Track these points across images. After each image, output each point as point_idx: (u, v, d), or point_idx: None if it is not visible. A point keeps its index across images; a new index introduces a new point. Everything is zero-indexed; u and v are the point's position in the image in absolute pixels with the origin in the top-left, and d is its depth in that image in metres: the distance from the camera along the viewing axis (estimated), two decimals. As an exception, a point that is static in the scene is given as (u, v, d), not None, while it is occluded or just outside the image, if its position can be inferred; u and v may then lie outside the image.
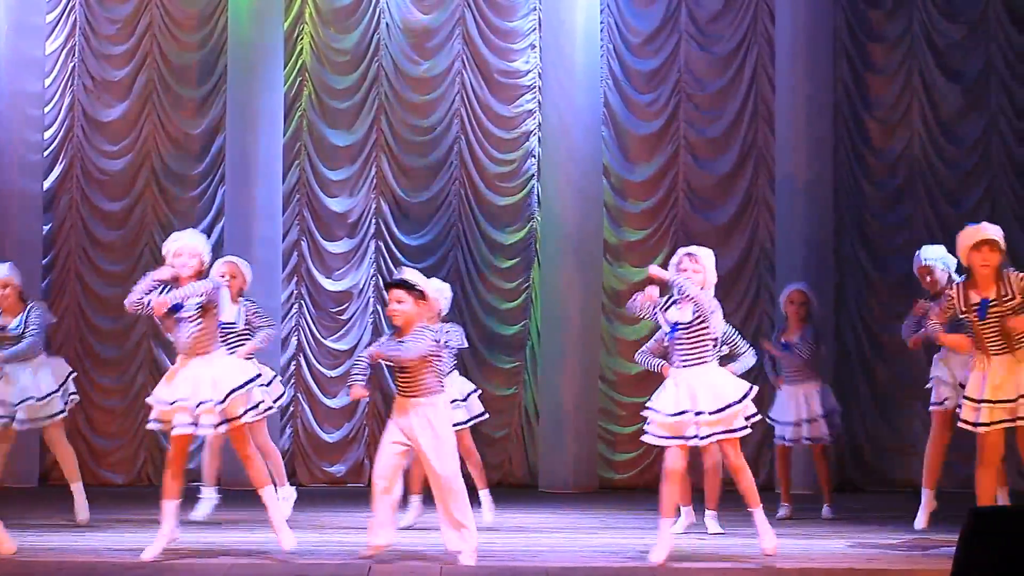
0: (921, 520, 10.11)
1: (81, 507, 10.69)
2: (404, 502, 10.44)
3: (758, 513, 8.52)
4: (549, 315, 14.61)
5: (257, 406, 8.76)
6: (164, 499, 8.62)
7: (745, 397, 8.48)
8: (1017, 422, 8.70)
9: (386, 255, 15.27)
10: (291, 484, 11.15)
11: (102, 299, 15.28)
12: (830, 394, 11.69)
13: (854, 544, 9.62)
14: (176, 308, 8.53)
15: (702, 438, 8.42)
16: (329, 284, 15.28)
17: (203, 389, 8.50)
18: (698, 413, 8.37)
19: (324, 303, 15.24)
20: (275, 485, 10.48)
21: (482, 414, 11.04)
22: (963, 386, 9.12)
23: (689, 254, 8.67)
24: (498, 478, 14.67)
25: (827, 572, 8.39)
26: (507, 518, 10.99)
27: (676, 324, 8.48)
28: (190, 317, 8.56)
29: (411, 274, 8.59)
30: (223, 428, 8.60)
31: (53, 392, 10.64)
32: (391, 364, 8.51)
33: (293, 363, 15.21)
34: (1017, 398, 8.67)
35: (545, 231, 14.85)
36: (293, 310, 15.29)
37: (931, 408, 10.35)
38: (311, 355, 15.25)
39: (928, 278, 10.48)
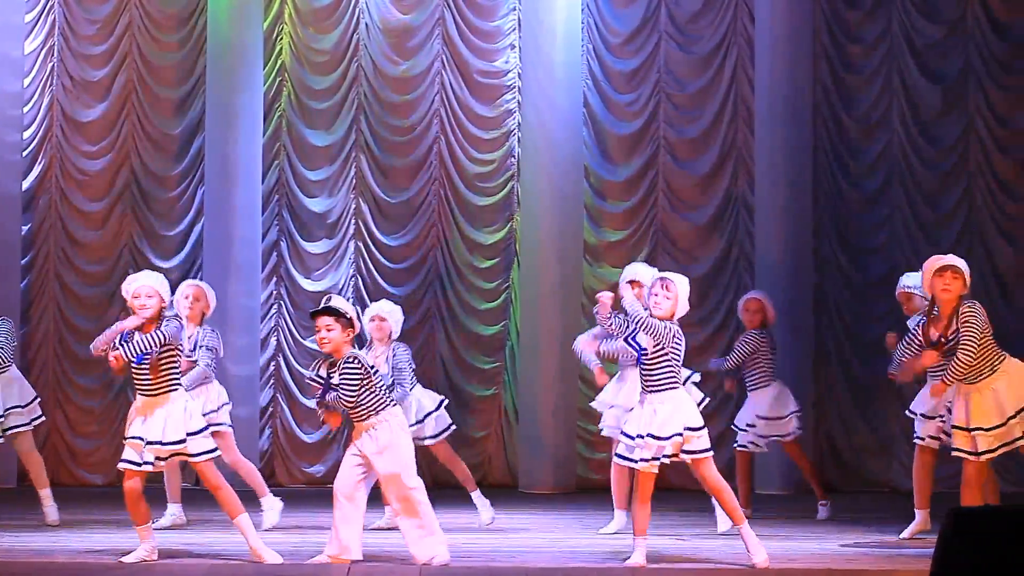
0: (907, 532, 10.10)
1: (50, 510, 10.73)
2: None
3: (744, 529, 8.49)
4: (529, 315, 14.60)
5: (211, 451, 8.69)
6: (137, 525, 8.60)
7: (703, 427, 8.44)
8: (1015, 444, 8.82)
9: (365, 255, 15.26)
10: (270, 487, 11.13)
11: (81, 299, 15.24)
12: (783, 397, 11.64)
13: (833, 544, 9.64)
14: (138, 360, 8.49)
15: (653, 460, 8.35)
16: (308, 284, 15.26)
17: (155, 430, 8.49)
18: (650, 435, 8.34)
19: (303, 303, 15.20)
20: (258, 497, 10.56)
21: (451, 426, 11.01)
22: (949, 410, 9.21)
23: (662, 279, 8.62)
24: (478, 478, 14.58)
25: (806, 572, 8.41)
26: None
27: (641, 349, 8.47)
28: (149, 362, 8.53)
29: (338, 301, 8.51)
30: (175, 459, 8.64)
31: (16, 407, 10.71)
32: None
33: (272, 364, 15.18)
34: (1006, 421, 8.78)
35: (525, 231, 14.85)
36: (272, 310, 15.27)
37: (915, 440, 10.28)
38: (290, 356, 15.23)
39: (907, 304, 10.58)
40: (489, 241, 15.27)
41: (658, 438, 8.31)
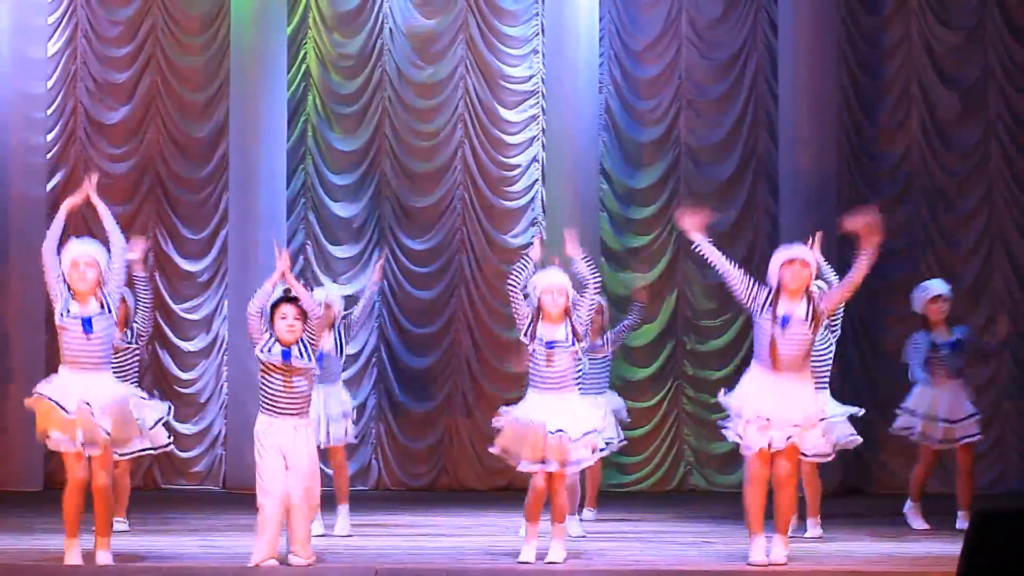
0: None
1: None
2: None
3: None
4: (552, 319, 14.61)
5: None
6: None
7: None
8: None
9: (391, 260, 15.28)
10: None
11: (104, 303, 15.26)
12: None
13: (860, 547, 9.66)
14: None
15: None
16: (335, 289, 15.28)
17: None
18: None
19: (330, 307, 15.24)
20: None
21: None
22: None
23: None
24: (506, 480, 14.61)
25: (833, 574, 8.46)
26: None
27: None
28: None
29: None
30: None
31: None
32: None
33: (302, 367, 15.19)
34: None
35: (549, 235, 14.89)
36: (300, 315, 15.28)
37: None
38: (317, 359, 15.24)
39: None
40: (514, 245, 15.31)
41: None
